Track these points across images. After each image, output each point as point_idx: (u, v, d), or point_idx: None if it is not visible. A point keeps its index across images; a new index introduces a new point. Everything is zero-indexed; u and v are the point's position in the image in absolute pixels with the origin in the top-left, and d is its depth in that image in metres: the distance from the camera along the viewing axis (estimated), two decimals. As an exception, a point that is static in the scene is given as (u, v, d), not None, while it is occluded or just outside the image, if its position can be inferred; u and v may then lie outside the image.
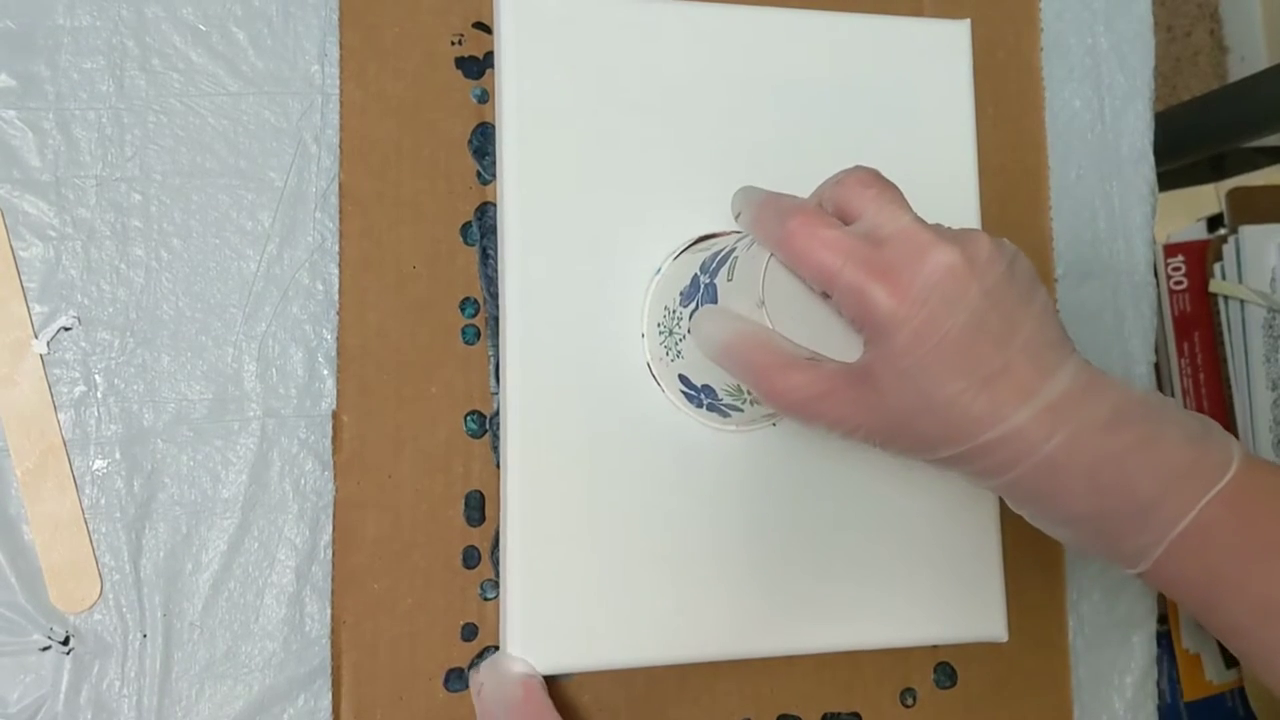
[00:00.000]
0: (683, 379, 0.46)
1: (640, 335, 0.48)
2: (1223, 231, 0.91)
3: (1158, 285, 0.60)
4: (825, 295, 0.38)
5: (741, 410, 0.45)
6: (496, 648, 0.47)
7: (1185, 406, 0.83)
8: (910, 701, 0.52)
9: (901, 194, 0.38)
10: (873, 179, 0.39)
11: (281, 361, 0.48)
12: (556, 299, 0.47)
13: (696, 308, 0.43)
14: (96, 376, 0.46)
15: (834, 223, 0.37)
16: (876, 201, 0.38)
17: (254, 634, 0.46)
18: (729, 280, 0.41)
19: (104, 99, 0.47)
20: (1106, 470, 0.36)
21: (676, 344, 0.45)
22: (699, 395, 0.46)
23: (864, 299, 0.36)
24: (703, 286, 0.43)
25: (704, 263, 0.44)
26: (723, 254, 0.42)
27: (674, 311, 0.45)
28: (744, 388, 0.42)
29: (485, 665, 0.45)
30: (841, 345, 0.39)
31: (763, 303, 0.38)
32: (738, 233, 0.45)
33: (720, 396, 0.44)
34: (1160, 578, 0.38)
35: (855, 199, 0.38)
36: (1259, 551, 0.36)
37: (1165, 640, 0.86)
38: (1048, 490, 0.37)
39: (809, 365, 0.38)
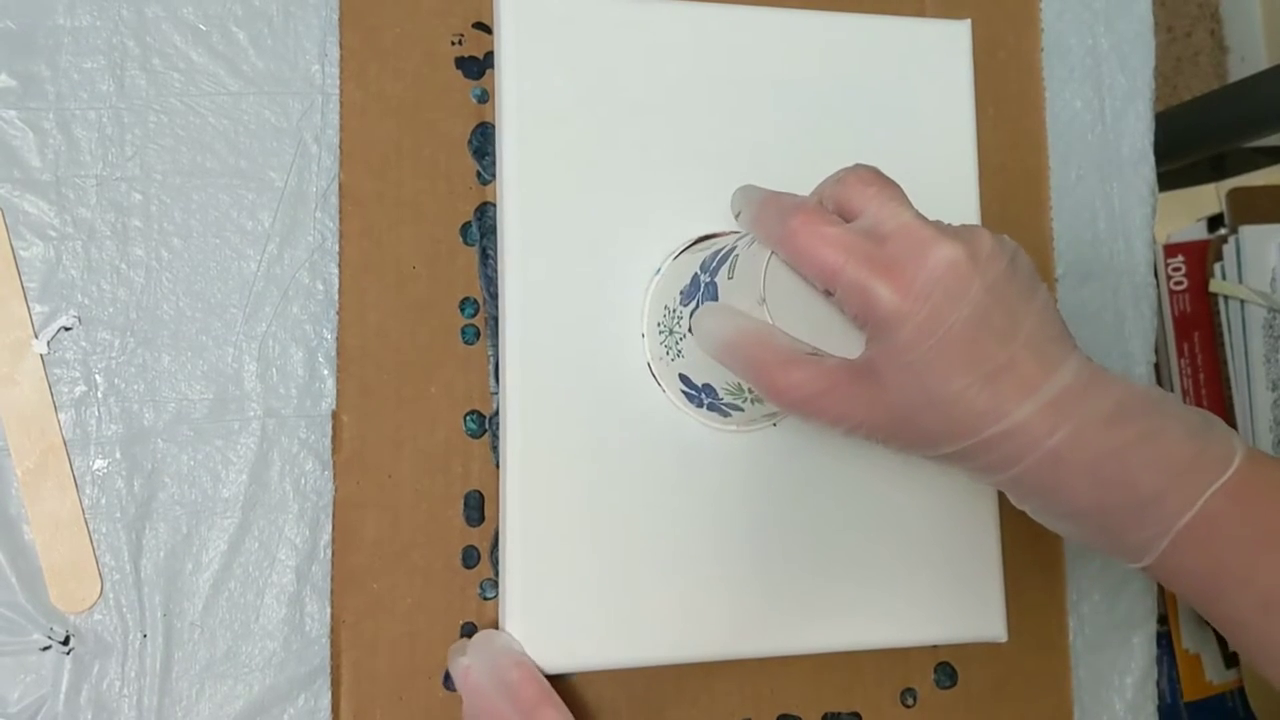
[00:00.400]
0: (683, 378, 0.46)
1: (640, 335, 0.48)
2: (1223, 231, 0.91)
3: (1158, 286, 0.60)
4: (827, 293, 0.38)
5: (742, 409, 0.45)
6: (496, 648, 0.47)
7: (1185, 407, 0.82)
8: (910, 702, 0.52)
9: (902, 191, 0.38)
10: (873, 177, 0.39)
11: (282, 361, 0.48)
12: (556, 299, 0.47)
13: (697, 306, 0.43)
14: (97, 376, 0.46)
15: (835, 220, 0.37)
16: (877, 199, 0.38)
17: (254, 634, 0.47)
18: (729, 278, 0.41)
19: (104, 99, 0.47)
20: (1109, 465, 0.36)
21: (677, 343, 0.45)
22: (700, 395, 0.46)
23: (867, 295, 0.36)
24: (703, 285, 0.43)
25: (704, 262, 0.44)
26: (723, 253, 0.42)
27: (674, 311, 0.45)
28: (745, 386, 0.42)
29: (471, 646, 0.45)
30: (843, 342, 0.39)
31: (764, 300, 0.38)
32: (737, 233, 0.45)
33: (721, 396, 0.44)
34: (1163, 571, 0.38)
35: (856, 197, 0.38)
36: (1263, 544, 0.36)
37: (1165, 641, 0.86)
38: (1051, 485, 0.37)
39: (811, 362, 0.38)
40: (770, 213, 0.39)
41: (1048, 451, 0.36)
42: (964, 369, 0.36)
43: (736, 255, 0.41)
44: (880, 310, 0.36)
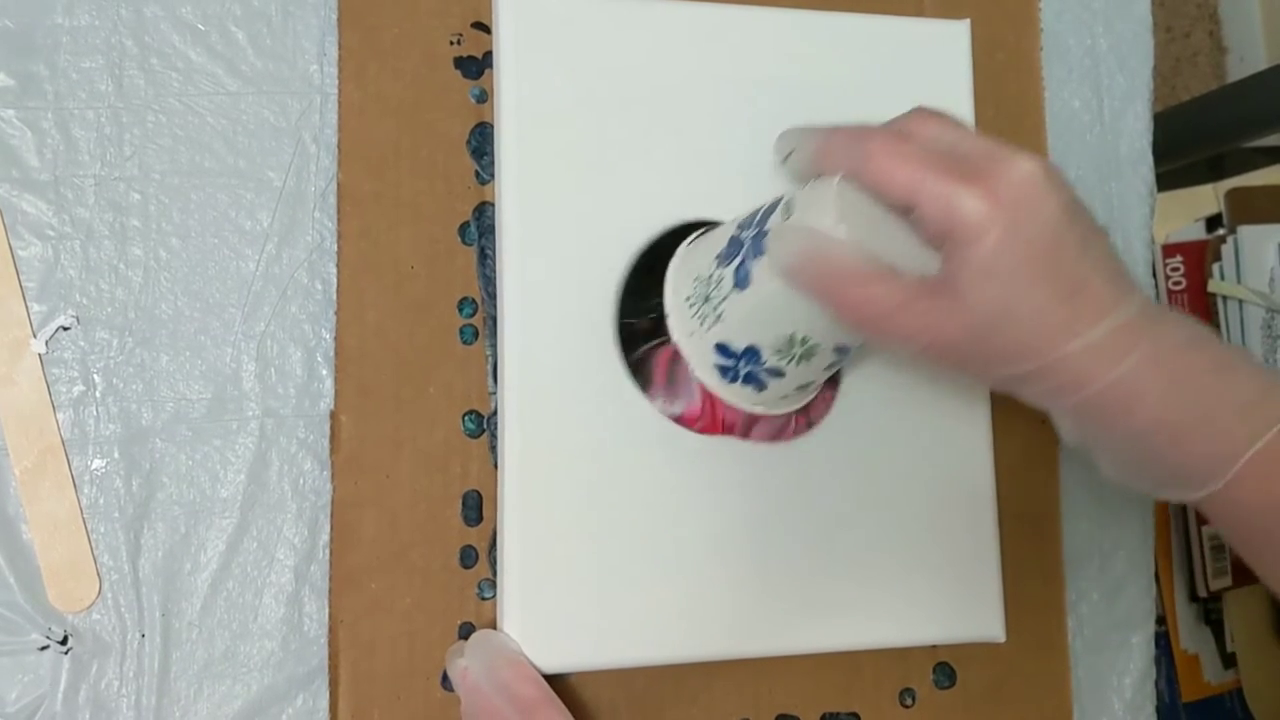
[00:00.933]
0: (720, 348, 0.45)
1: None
2: (1221, 232, 0.91)
3: (1156, 286, 0.60)
4: (904, 212, 0.38)
5: (782, 375, 0.44)
6: (495, 648, 0.47)
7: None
8: (909, 702, 0.52)
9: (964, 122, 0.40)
10: (933, 112, 0.40)
11: (280, 361, 0.48)
12: (555, 299, 0.47)
13: (742, 263, 0.42)
14: (95, 376, 0.46)
15: (913, 140, 0.38)
16: (941, 126, 0.39)
17: (252, 634, 0.46)
18: (786, 219, 0.41)
19: (103, 98, 0.47)
20: (1182, 390, 0.36)
21: (716, 307, 0.44)
22: (737, 363, 0.44)
23: (951, 205, 0.36)
24: (748, 240, 0.42)
25: (741, 223, 0.44)
26: (764, 209, 0.42)
27: (709, 277, 0.44)
28: (798, 338, 0.42)
29: (468, 646, 0.45)
30: (914, 266, 0.38)
31: (838, 221, 0.38)
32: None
33: (764, 359, 0.44)
34: (1220, 504, 0.38)
35: (921, 128, 0.39)
36: None
37: (1164, 641, 0.86)
38: (1120, 409, 0.37)
39: (888, 277, 0.38)
40: (841, 141, 0.39)
41: (1123, 372, 0.36)
42: (1045, 282, 0.36)
43: (789, 200, 0.41)
44: (964, 219, 0.36)
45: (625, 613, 0.46)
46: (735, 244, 0.43)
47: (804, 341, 0.42)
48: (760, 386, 0.45)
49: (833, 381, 0.50)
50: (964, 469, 0.51)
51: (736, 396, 0.46)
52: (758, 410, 0.47)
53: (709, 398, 0.47)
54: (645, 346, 0.48)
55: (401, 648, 0.46)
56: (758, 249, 0.42)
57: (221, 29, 0.48)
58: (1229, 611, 0.88)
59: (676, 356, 0.46)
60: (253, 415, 0.47)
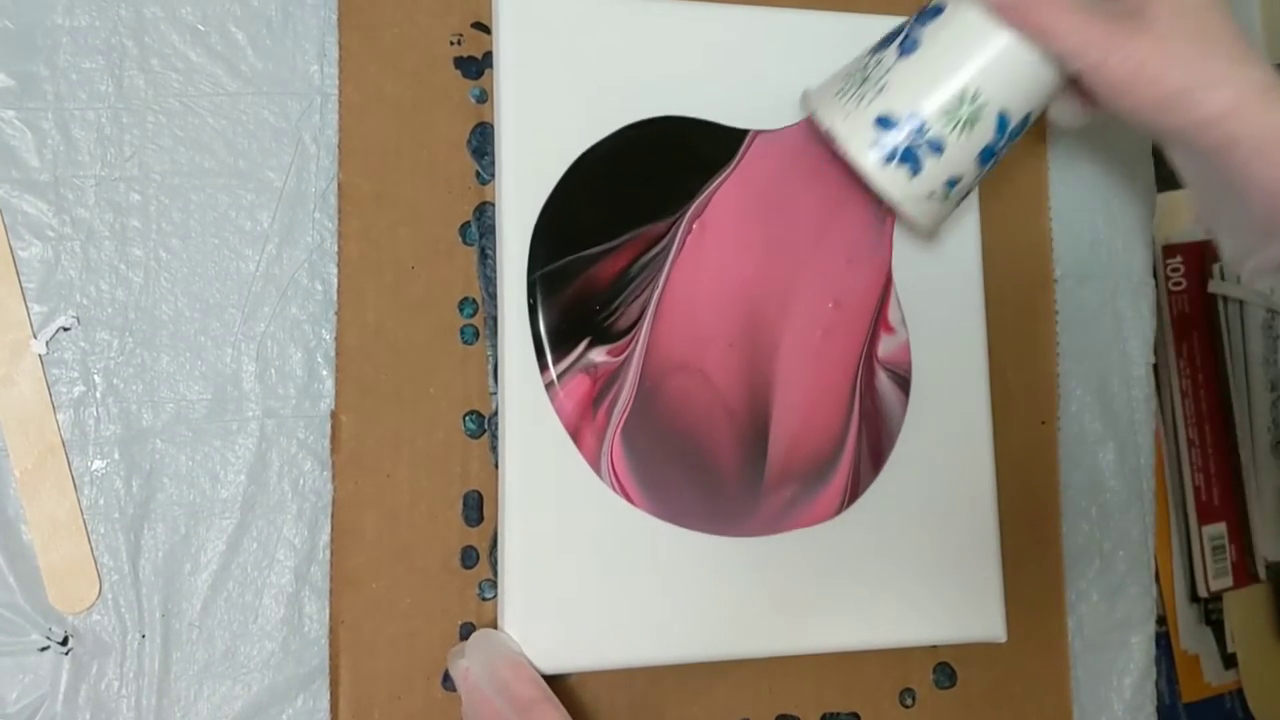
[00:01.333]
0: (881, 120, 0.44)
1: None
2: (1222, 232, 0.91)
3: (1157, 286, 0.60)
4: None
5: (941, 150, 0.44)
6: (495, 648, 0.47)
7: (1184, 407, 0.82)
8: (910, 702, 0.52)
9: None
10: None
11: (280, 362, 0.48)
12: (555, 299, 0.47)
13: (907, 35, 0.45)
14: (95, 377, 0.46)
15: None
16: None
17: (253, 634, 0.46)
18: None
19: (103, 99, 0.47)
20: None
21: (878, 82, 0.45)
22: (897, 135, 0.44)
23: None
24: (911, 20, 0.45)
25: (888, 32, 0.46)
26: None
27: (866, 64, 0.46)
28: (967, 94, 0.43)
29: (469, 646, 0.45)
30: None
31: None
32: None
33: (928, 127, 0.44)
34: None
35: None
36: None
37: (1164, 641, 0.86)
38: (1271, 144, 0.39)
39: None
40: None
41: None
42: (1225, 19, 0.41)
43: None
44: None
45: (626, 613, 0.46)
46: (892, 33, 0.46)
47: (974, 99, 0.44)
48: (915, 168, 0.45)
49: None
50: (964, 469, 0.51)
51: (889, 181, 0.45)
52: (904, 208, 0.45)
53: None
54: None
55: (402, 648, 0.46)
56: (924, 20, 0.45)
57: (221, 29, 0.48)
58: (1229, 611, 0.89)
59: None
60: (253, 416, 0.47)
